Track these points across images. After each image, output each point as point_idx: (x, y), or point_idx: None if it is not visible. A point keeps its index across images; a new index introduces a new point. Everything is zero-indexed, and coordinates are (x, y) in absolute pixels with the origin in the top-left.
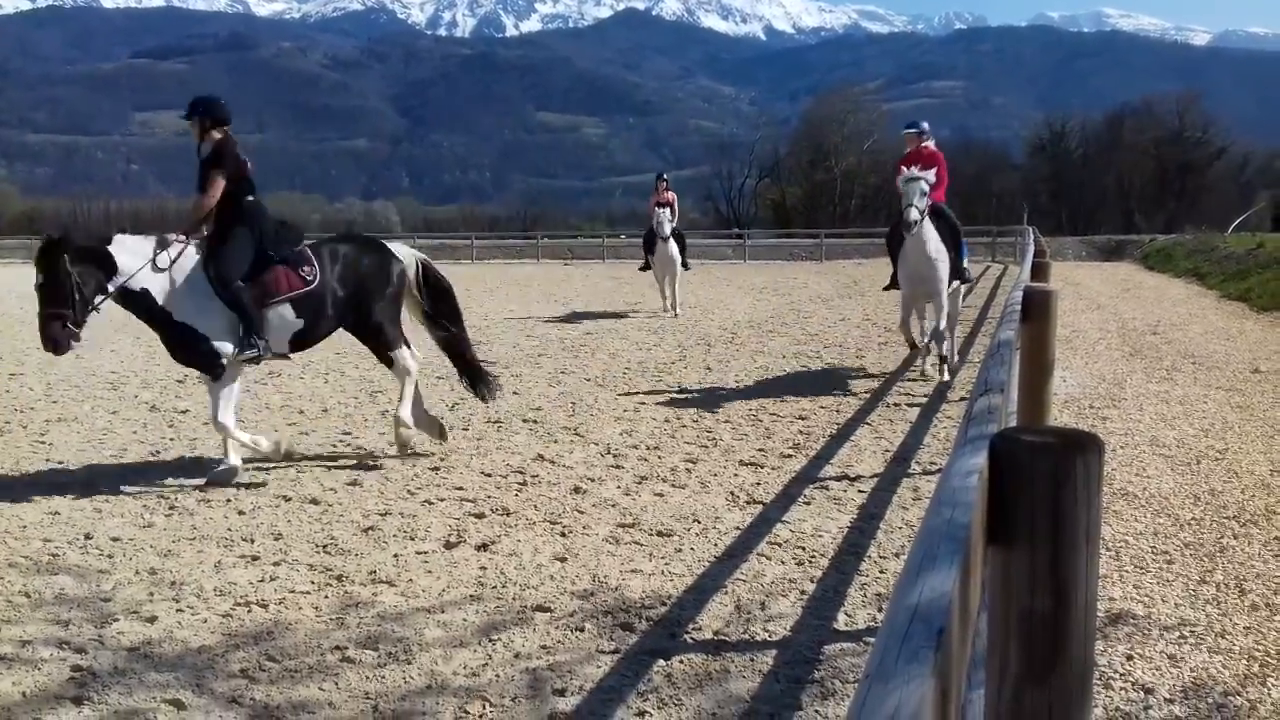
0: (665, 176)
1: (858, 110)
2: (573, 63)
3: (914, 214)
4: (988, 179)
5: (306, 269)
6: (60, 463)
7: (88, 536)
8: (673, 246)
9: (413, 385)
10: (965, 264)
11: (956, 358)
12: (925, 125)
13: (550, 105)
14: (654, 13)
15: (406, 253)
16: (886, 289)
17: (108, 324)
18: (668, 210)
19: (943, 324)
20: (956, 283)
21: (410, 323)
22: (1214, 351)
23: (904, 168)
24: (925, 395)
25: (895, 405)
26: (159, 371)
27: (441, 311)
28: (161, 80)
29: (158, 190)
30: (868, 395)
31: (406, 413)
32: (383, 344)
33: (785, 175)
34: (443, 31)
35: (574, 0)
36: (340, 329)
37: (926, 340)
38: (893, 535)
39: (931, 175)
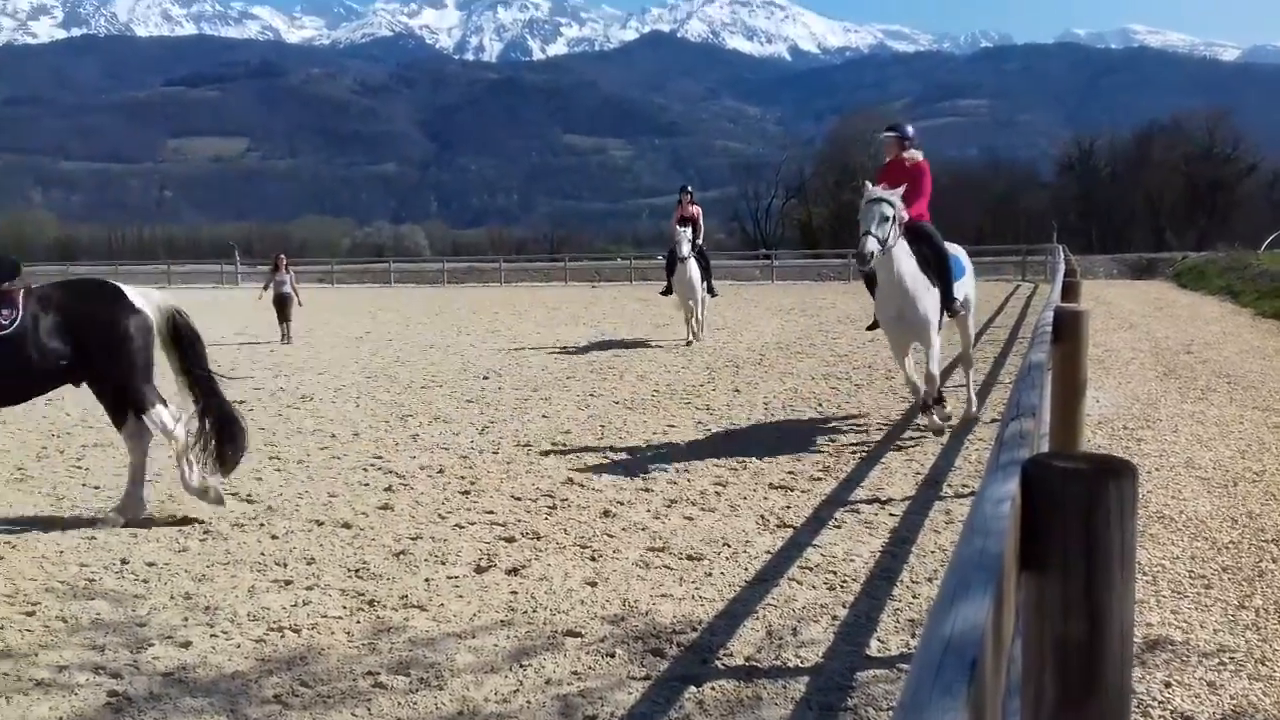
0: (689, 189)
1: (884, 130)
2: (598, 85)
3: (870, 244)
4: (1016, 197)
5: (5, 312)
6: (97, 487)
7: (124, 561)
8: (693, 267)
9: (177, 451)
10: (961, 292)
11: (976, 405)
12: (910, 129)
13: (577, 128)
14: (679, 35)
15: (156, 300)
16: (870, 329)
17: None
18: (689, 229)
19: (934, 367)
20: (956, 314)
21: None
22: (1249, 371)
23: (867, 185)
24: (956, 416)
25: (926, 427)
26: None
27: (192, 368)
28: (194, 107)
29: (191, 216)
30: (898, 417)
31: (195, 478)
32: (130, 404)
33: (811, 195)
34: (470, 56)
35: (600, 23)
36: (77, 384)
37: (923, 390)
38: (925, 559)
39: (898, 195)
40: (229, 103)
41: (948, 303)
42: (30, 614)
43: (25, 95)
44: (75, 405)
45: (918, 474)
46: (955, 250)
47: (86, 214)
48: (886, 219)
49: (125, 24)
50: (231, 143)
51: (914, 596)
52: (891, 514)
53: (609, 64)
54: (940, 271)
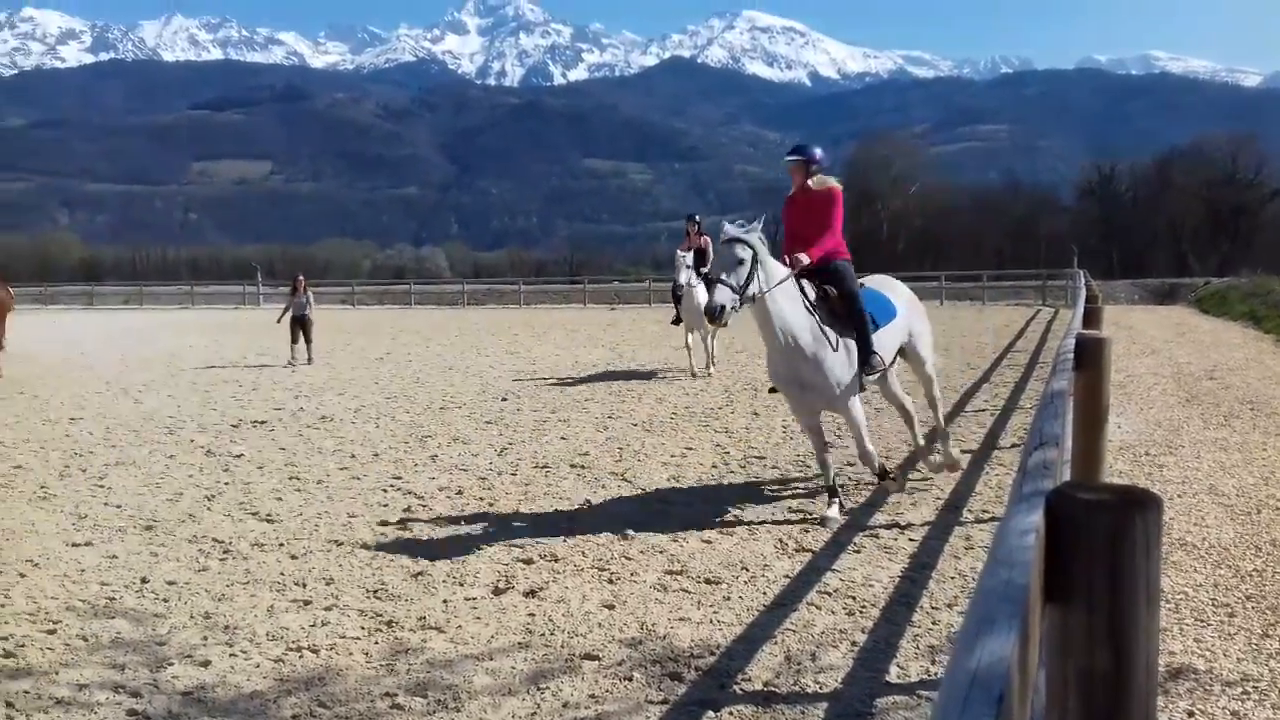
0: (697, 218)
1: (903, 154)
2: (619, 110)
3: (720, 295)
4: (1036, 221)
5: None
6: (118, 506)
7: (144, 580)
8: (700, 293)
9: None
10: (889, 341)
11: (956, 450)
12: (817, 152)
13: (597, 152)
14: (700, 60)
15: None
16: (772, 392)
17: (165, 369)
18: (691, 255)
19: (867, 443)
20: (874, 372)
21: None
22: (1273, 397)
23: (726, 225)
24: (977, 441)
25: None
26: (214, 416)
27: None
28: (219, 131)
29: (215, 238)
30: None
31: None
32: None
33: None
34: (492, 81)
35: (621, 49)
36: None
37: (871, 467)
38: (945, 585)
39: (757, 233)
40: (254, 126)
41: (865, 358)
42: (51, 632)
43: (53, 118)
44: (98, 424)
45: (938, 499)
46: (884, 287)
47: (112, 235)
48: (742, 261)
49: (152, 49)
50: (256, 165)
51: (934, 622)
52: (911, 539)
53: (629, 89)
54: (854, 320)
